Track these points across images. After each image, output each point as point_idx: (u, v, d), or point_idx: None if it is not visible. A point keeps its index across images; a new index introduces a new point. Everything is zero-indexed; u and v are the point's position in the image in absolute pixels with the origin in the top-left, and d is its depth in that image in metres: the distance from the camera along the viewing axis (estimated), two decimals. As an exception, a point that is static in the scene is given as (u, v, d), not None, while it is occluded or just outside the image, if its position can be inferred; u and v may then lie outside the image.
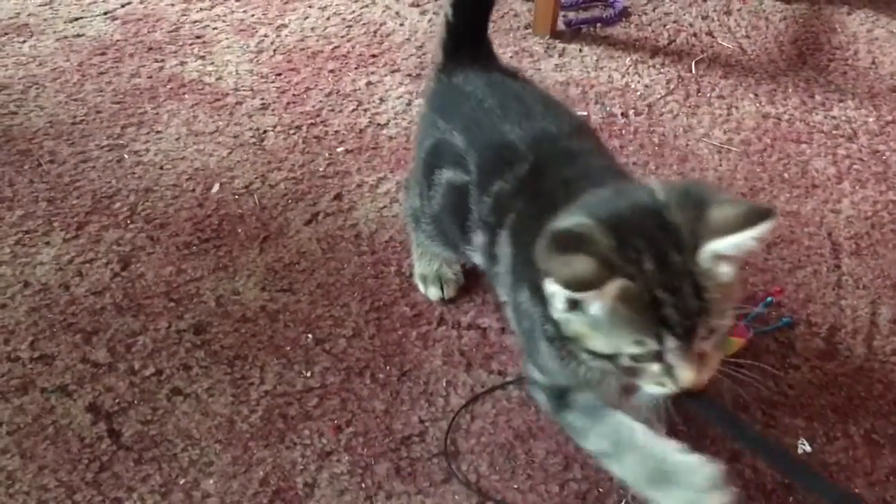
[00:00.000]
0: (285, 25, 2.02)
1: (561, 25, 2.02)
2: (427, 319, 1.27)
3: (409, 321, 1.27)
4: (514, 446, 1.10)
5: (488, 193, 1.02)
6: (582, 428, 0.97)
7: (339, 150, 1.62)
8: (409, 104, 1.74)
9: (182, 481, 1.06)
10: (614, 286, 0.77)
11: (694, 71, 1.88)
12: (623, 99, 1.78)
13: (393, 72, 1.85)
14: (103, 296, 1.30)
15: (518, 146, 1.03)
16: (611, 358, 0.83)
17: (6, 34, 1.95)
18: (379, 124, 1.68)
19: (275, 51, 1.92)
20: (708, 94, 1.80)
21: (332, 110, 1.72)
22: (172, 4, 2.09)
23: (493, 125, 1.08)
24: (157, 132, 1.66)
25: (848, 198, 1.53)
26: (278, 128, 1.67)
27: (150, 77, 1.82)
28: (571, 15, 2.06)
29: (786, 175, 1.58)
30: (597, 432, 0.95)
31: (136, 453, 1.09)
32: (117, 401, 1.15)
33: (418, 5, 2.10)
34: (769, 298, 1.29)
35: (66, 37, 1.95)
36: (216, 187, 1.52)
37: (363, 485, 1.06)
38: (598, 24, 2.04)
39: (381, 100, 1.75)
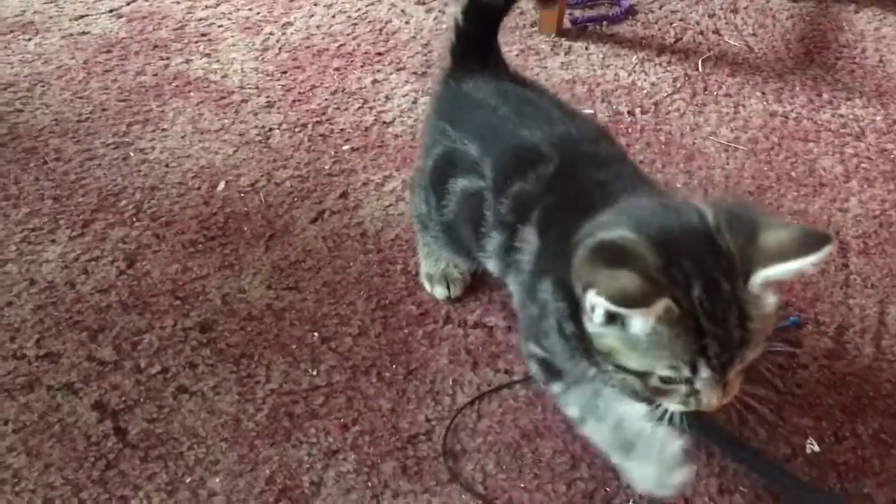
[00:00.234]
0: (291, 23, 2.01)
1: (567, 23, 2.01)
2: (433, 318, 1.27)
3: (415, 320, 1.27)
4: (520, 445, 1.10)
5: (506, 195, 1.01)
6: (564, 397, 0.99)
7: (344, 148, 1.61)
8: (414, 102, 1.73)
9: (188, 479, 1.06)
10: (661, 306, 0.75)
11: (701, 69, 1.88)
12: (629, 97, 1.77)
13: (398, 70, 1.84)
14: (109, 294, 1.30)
15: (541, 148, 1.02)
16: (640, 376, 0.82)
17: (11, 32, 1.95)
18: (385, 122, 1.68)
19: (280, 49, 1.92)
20: (715, 93, 1.80)
21: (338, 108, 1.72)
22: (178, 2, 2.09)
23: (511, 130, 1.06)
24: (163, 130, 1.65)
25: (856, 196, 1.52)
26: (284, 126, 1.67)
27: (156, 75, 1.81)
28: (578, 13, 2.06)
29: (793, 174, 1.57)
30: (578, 399, 0.97)
31: (142, 451, 1.09)
32: (123, 399, 1.15)
33: (424, 3, 2.10)
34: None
35: (71, 34, 1.95)
36: (222, 185, 1.52)
37: (369, 483, 1.06)
38: (605, 22, 2.03)
39: (387, 98, 1.75)
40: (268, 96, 1.75)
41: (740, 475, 1.06)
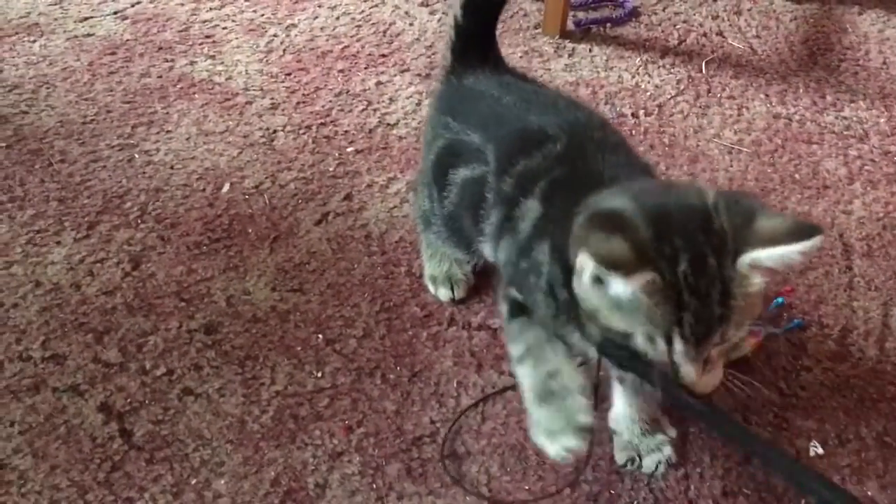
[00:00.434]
0: (295, 25, 2.02)
1: (571, 25, 2.02)
2: (437, 320, 1.27)
3: (419, 322, 1.27)
4: (524, 447, 1.10)
5: (510, 174, 1.02)
6: (518, 332, 1.00)
7: (348, 150, 1.62)
8: (418, 104, 1.74)
9: (193, 481, 1.06)
10: (643, 277, 0.77)
11: (704, 71, 1.88)
12: (633, 99, 1.77)
13: (402, 72, 1.85)
14: (114, 295, 1.31)
15: (547, 130, 1.03)
16: (624, 337, 0.84)
17: (17, 33, 1.95)
18: (389, 124, 1.68)
19: (284, 50, 1.92)
20: (718, 95, 1.80)
21: (342, 110, 1.72)
22: (182, 4, 2.09)
23: (516, 116, 1.09)
24: (168, 132, 1.66)
25: (859, 199, 1.52)
26: (288, 128, 1.67)
27: (161, 77, 1.82)
28: (581, 15, 2.06)
29: (797, 176, 1.58)
30: (529, 339, 0.99)
31: (148, 453, 1.09)
32: (129, 400, 1.16)
33: (427, 5, 2.10)
34: (780, 298, 1.28)
35: (76, 36, 1.95)
36: (226, 187, 1.52)
37: (374, 485, 1.06)
38: (608, 24, 2.03)
39: (391, 100, 1.75)
40: (272, 98, 1.76)
41: (744, 477, 1.06)
